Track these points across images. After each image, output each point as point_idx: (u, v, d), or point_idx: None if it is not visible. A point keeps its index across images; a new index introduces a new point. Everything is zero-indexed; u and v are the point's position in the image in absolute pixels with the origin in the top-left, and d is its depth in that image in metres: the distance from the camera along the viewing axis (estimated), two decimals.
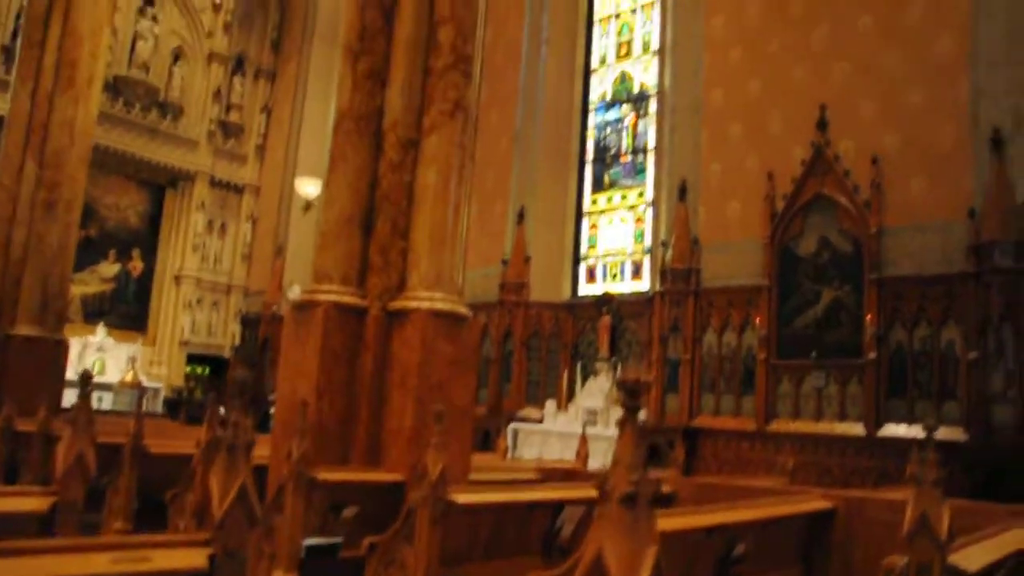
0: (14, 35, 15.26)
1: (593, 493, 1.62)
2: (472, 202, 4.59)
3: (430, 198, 4.94)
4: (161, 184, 18.12)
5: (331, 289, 4.74)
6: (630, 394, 1.60)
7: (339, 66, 5.36)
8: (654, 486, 1.61)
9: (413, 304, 4.70)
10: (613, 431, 9.82)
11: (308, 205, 13.11)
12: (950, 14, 9.29)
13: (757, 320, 10.05)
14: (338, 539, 3.97)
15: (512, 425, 11.59)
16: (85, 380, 3.14)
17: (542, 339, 12.86)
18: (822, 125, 9.91)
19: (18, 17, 15.07)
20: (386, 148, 5.09)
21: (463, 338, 4.83)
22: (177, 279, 17.93)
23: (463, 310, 4.86)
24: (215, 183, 18.55)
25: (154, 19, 17.94)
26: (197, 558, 1.87)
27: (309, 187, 13.00)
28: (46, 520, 2.53)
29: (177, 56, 18.35)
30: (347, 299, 4.74)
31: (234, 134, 19.08)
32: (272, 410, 14.10)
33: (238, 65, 19.33)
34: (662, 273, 11.03)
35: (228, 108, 19.02)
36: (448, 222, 4.94)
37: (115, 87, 16.82)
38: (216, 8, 18.83)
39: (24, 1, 14.29)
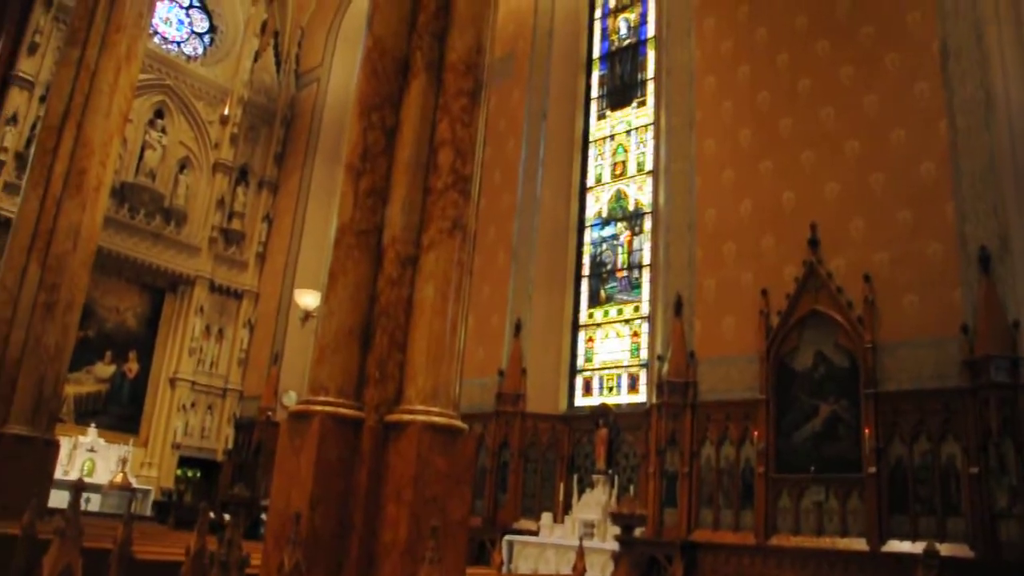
0: (28, 143, 15.74)
1: None
2: (469, 313, 4.66)
3: (428, 313, 5.03)
4: (161, 288, 18.32)
5: (327, 400, 4.77)
6: (625, 528, 1.64)
7: (341, 183, 5.54)
8: None
9: (409, 417, 4.73)
10: (611, 544, 9.68)
11: (307, 316, 13.24)
12: (931, 141, 9.65)
13: (755, 434, 10.04)
14: None
15: (507, 537, 11.39)
16: (77, 490, 3.15)
17: (539, 450, 12.78)
18: (814, 243, 10.14)
19: (34, 126, 15.58)
20: (385, 263, 5.20)
21: (459, 452, 4.84)
22: (172, 382, 17.90)
23: (460, 424, 4.88)
24: (215, 288, 18.77)
25: (163, 130, 18.54)
26: None
27: (307, 298, 13.16)
28: None
29: (183, 165, 18.88)
30: (343, 411, 4.76)
31: (235, 241, 19.41)
32: (264, 516, 13.85)
33: (242, 175, 19.84)
34: (659, 386, 11.06)
35: (231, 216, 19.41)
36: (446, 337, 5.01)
37: (122, 193, 17.23)
38: (224, 121, 19.48)
39: (41, 111, 14.92)
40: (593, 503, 11.08)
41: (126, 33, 10.72)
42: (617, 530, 10.13)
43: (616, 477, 11.47)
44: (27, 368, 9.27)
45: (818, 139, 10.65)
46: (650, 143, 14.24)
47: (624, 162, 14.73)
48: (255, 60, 20.41)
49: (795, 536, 9.47)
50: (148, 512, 15.27)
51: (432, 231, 5.23)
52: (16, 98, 16.14)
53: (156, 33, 19.40)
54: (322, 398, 4.77)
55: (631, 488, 11.31)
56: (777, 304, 10.28)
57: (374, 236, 5.24)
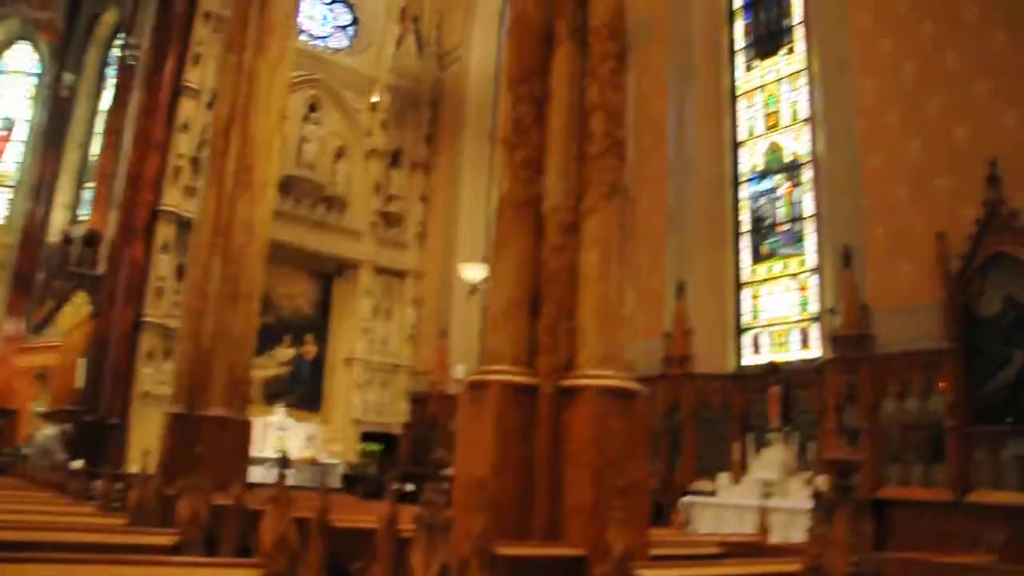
0: (200, 147, 16.83)
1: (785, 568, 1.62)
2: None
3: (593, 278, 5.04)
4: (329, 273, 19.26)
5: (502, 369, 4.89)
6: (841, 474, 1.59)
7: (498, 157, 5.63)
8: (876, 567, 1.59)
9: (583, 382, 4.78)
10: (791, 503, 9.44)
11: (473, 288, 13.54)
12: None
13: (941, 385, 9.49)
14: None
15: (684, 499, 11.33)
16: (283, 463, 3.38)
17: (710, 411, 12.59)
18: (994, 180, 9.41)
19: (203, 131, 16.64)
20: (548, 232, 5.25)
21: (635, 414, 4.85)
22: (348, 361, 18.82)
23: (634, 386, 4.89)
24: (379, 270, 19.54)
25: (318, 123, 19.34)
26: None
27: (472, 272, 13.43)
28: None
29: (339, 154, 19.68)
30: (518, 378, 4.87)
31: (395, 223, 20.08)
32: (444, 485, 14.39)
33: (395, 159, 20.45)
34: (832, 340, 10.64)
35: (388, 199, 20.07)
36: (613, 300, 5.02)
37: (286, 186, 18.12)
38: (373, 109, 20.12)
39: (208, 117, 15.92)
40: (771, 462, 10.83)
41: (277, 35, 11.23)
42: (800, 489, 9.89)
43: (793, 434, 11.16)
44: (219, 354, 9.97)
45: (992, 68, 9.85)
46: (803, 90, 13.61)
47: (777, 112, 14.16)
48: (397, 46, 20.90)
49: (996, 492, 8.90)
50: (337, 485, 16.15)
51: (591, 197, 5.24)
52: (186, 107, 17.23)
53: (303, 31, 20.20)
54: (497, 367, 4.90)
55: (810, 446, 10.98)
56: (956, 248, 9.62)
57: (534, 206, 5.30)
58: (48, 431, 11.34)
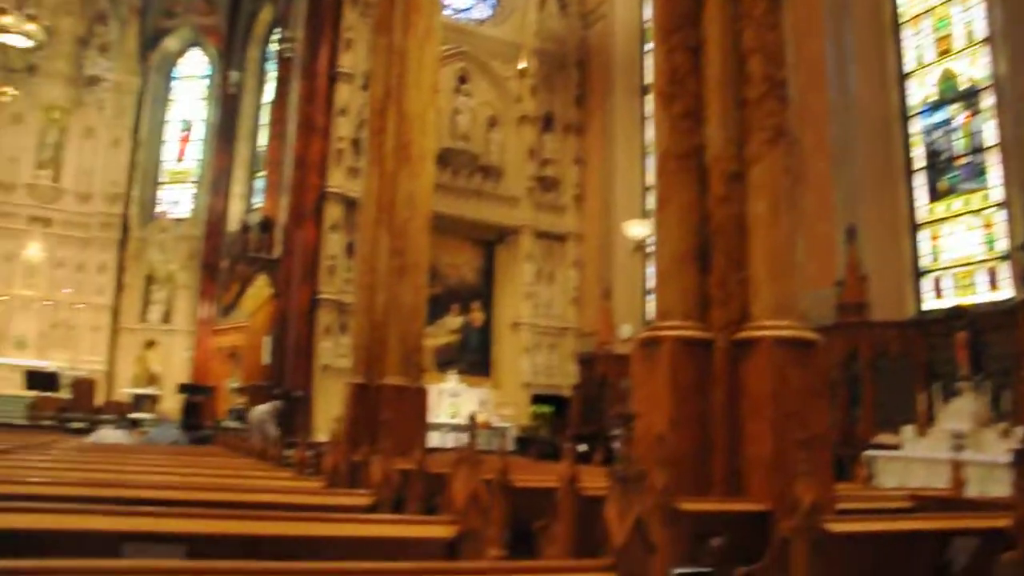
0: (358, 128, 17.47)
1: (986, 523, 1.53)
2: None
3: (762, 227, 4.90)
4: (491, 241, 19.64)
5: (674, 324, 4.85)
6: None
7: (654, 111, 5.53)
8: None
9: (758, 334, 4.67)
10: (987, 456, 8.89)
11: (638, 246, 13.44)
12: None
13: None
14: (707, 569, 4.00)
15: (867, 452, 10.90)
16: (472, 426, 3.50)
17: (889, 360, 12.00)
18: None
19: (359, 113, 17.26)
20: (711, 183, 5.14)
21: (812, 364, 4.71)
22: (514, 326, 19.18)
23: (810, 335, 4.74)
24: (539, 234, 19.72)
25: (468, 95, 19.62)
26: None
27: (636, 229, 13.30)
28: (450, 546, 2.83)
29: (492, 123, 19.92)
30: (691, 333, 4.82)
31: (551, 187, 20.18)
32: (615, 444, 14.41)
33: (547, 123, 20.49)
34: None
35: (543, 164, 20.17)
36: (784, 249, 4.86)
37: (443, 158, 18.52)
38: (521, 75, 20.19)
39: (363, 99, 16.48)
40: (961, 413, 10.21)
41: (423, 13, 11.42)
42: (996, 441, 9.28)
43: (985, 383, 10.47)
44: (392, 326, 10.37)
45: None
46: (978, 8, 12.55)
47: (948, 36, 13.14)
48: (540, 10, 20.85)
49: None
50: (511, 447, 16.55)
51: (754, 143, 5.08)
52: (343, 91, 17.93)
53: (447, 6, 20.46)
54: (668, 323, 4.86)
55: (1005, 394, 10.28)
56: None
57: (696, 157, 5.20)
58: (263, 407, 12.32)
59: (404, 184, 10.96)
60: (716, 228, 5.01)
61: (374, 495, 3.83)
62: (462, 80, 19.79)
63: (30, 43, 19.41)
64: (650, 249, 17.27)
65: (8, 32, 18.59)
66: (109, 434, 10.72)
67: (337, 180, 17.52)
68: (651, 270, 17.69)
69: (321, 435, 13.39)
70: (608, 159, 19.70)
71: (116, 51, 24.88)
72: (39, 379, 18.94)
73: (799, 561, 3.40)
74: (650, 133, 18.95)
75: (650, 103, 18.98)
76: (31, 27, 18.60)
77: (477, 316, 19.21)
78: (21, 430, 14.70)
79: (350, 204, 16.89)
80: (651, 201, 18.49)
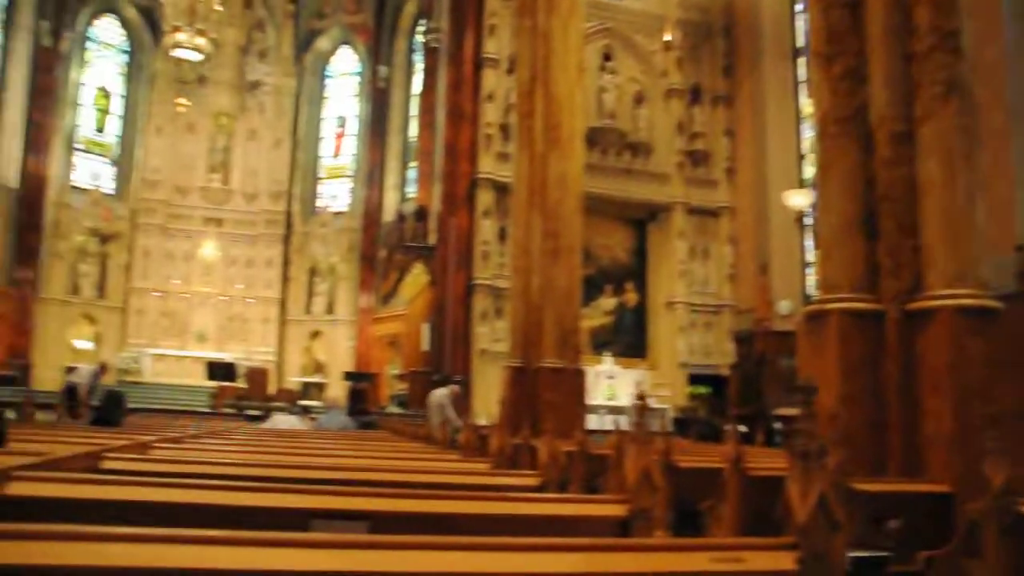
0: (505, 113, 17.67)
1: None
2: None
3: (936, 189, 4.62)
4: (642, 219, 19.40)
5: (841, 296, 4.66)
6: None
7: (811, 73, 5.30)
8: None
9: (935, 303, 4.41)
10: None
11: (799, 216, 12.95)
12: None
13: None
14: (885, 553, 3.83)
15: None
16: (641, 408, 3.50)
17: None
18: None
19: (506, 97, 17.44)
20: (877, 145, 4.89)
21: (996, 335, 4.40)
22: (669, 305, 18.91)
23: (993, 303, 4.44)
24: (691, 210, 19.31)
25: (613, 72, 19.40)
26: (785, 561, 1.97)
27: (796, 199, 12.81)
28: (622, 524, 2.83)
29: (638, 99, 19.61)
30: (859, 305, 4.62)
31: (702, 161, 19.71)
32: (777, 424, 13.96)
33: (695, 96, 19.99)
34: None
35: (692, 138, 19.72)
36: (961, 212, 4.57)
37: (590, 138, 18.42)
38: (666, 48, 19.75)
39: (509, 83, 16.64)
40: None
41: None
42: None
43: None
44: (548, 309, 10.45)
45: None
46: None
47: None
48: None
49: None
50: (669, 429, 16.37)
51: (923, 100, 4.79)
52: (489, 77, 18.13)
53: None
54: (835, 295, 4.67)
55: None
56: None
57: (858, 120, 4.96)
58: (441, 391, 12.84)
59: (554, 166, 10.99)
60: (883, 193, 4.76)
61: (541, 475, 3.88)
62: (606, 57, 19.57)
63: (200, 56, 20.71)
64: (809, 221, 16.62)
65: (182, 47, 19.93)
66: (283, 420, 11.35)
67: (487, 166, 17.77)
68: (811, 242, 17.05)
69: (481, 419, 13.67)
70: (760, 129, 19.04)
71: (273, 56, 26.28)
72: (219, 370, 20.35)
73: (990, 545, 3.20)
74: (804, 99, 18.21)
75: (803, 67, 18.23)
76: (201, 41, 19.87)
77: (631, 297, 19.04)
78: (205, 417, 15.85)
79: (501, 189, 17.09)
80: (808, 170, 17.87)
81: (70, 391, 14.41)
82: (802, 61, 18.40)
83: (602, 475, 4.60)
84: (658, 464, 3.27)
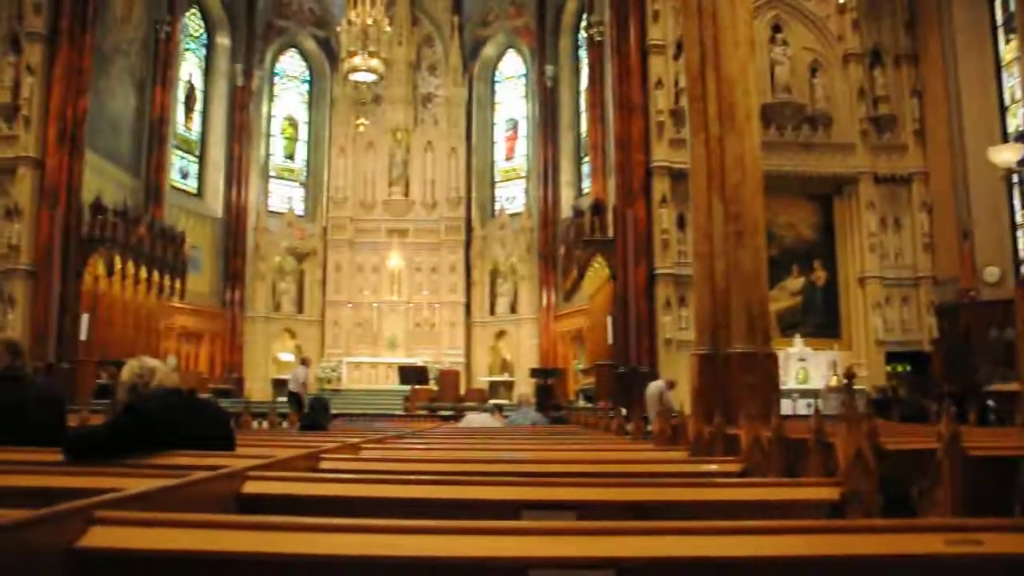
0: (675, 99, 17.43)
1: None
2: None
3: None
4: (826, 193, 18.59)
5: None
6: None
7: (1020, 10, 4.88)
8: None
9: None
10: None
11: (1007, 172, 11.98)
12: None
13: None
14: None
15: None
16: (849, 380, 3.40)
17: None
18: None
19: (676, 83, 17.22)
20: None
21: None
22: (861, 281, 18.03)
23: None
24: (879, 180, 18.34)
25: (784, 43, 18.65)
26: None
27: (1005, 155, 11.84)
28: (835, 508, 2.74)
29: (813, 69, 18.77)
30: None
31: (887, 127, 18.66)
32: (990, 402, 13.06)
33: (875, 58, 18.95)
34: None
35: (875, 103, 18.68)
36: None
37: (765, 115, 17.81)
38: (840, 11, 18.77)
39: (677, 68, 16.41)
40: None
41: None
42: None
43: None
44: (734, 293, 10.20)
45: None
46: None
47: None
48: None
49: None
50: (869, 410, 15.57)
51: None
52: (656, 64, 18.00)
53: None
54: None
55: None
56: None
57: None
58: (657, 383, 13.08)
59: (731, 147, 10.71)
60: None
61: (742, 461, 3.81)
62: (776, 29, 18.84)
63: (374, 77, 21.73)
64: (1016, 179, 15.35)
65: (358, 71, 21.01)
66: (476, 418, 11.68)
67: (661, 154, 17.61)
68: (1020, 201, 15.75)
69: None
70: (952, 84, 17.70)
71: (442, 68, 27.20)
72: (411, 373, 21.29)
73: None
74: (1003, 44, 16.85)
75: (999, 9, 16.89)
76: (375, 62, 20.84)
77: (819, 275, 18.25)
78: (401, 419, 16.58)
79: (676, 176, 16.87)
80: (1014, 122, 16.49)
81: (294, 397, 15.80)
82: (999, 3, 17.04)
83: (802, 460, 4.46)
84: (869, 445, 3.14)
